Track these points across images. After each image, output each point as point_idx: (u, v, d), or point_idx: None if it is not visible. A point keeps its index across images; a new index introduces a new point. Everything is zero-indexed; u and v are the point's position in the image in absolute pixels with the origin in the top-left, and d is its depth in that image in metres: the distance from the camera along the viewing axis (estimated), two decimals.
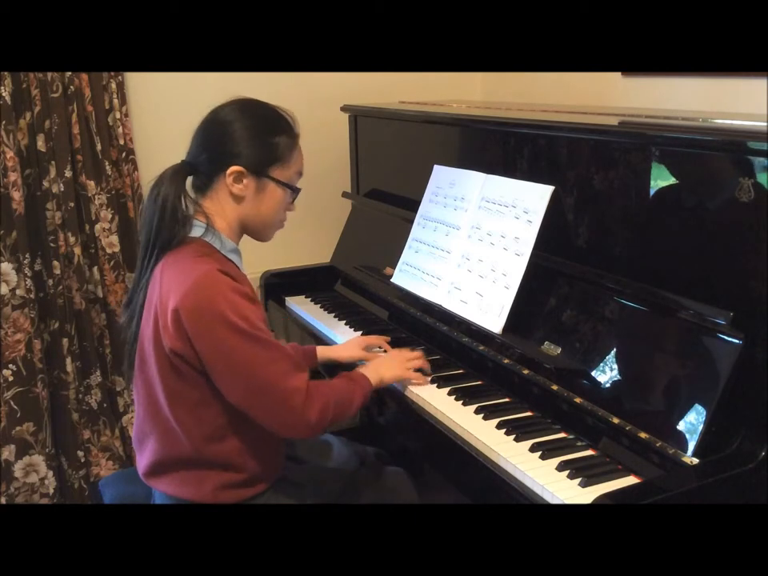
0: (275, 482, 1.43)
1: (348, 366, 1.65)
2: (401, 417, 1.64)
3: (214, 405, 1.31)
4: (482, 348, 1.63)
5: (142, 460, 1.41)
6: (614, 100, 2.20)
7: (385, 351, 1.75)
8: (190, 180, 1.41)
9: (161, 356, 1.31)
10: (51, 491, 2.16)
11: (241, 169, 1.36)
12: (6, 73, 1.96)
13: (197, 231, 1.36)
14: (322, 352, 1.75)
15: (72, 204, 2.10)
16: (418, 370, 1.61)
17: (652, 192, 1.38)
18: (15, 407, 2.09)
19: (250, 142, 1.37)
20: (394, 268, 1.91)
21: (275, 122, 1.41)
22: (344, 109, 2.33)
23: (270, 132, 1.39)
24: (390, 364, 1.58)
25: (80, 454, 2.22)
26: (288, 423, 1.32)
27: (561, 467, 1.25)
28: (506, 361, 1.56)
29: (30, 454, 2.14)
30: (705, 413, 1.18)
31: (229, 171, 1.36)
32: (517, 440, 1.36)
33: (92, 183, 2.13)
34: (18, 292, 2.05)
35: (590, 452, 1.32)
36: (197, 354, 1.27)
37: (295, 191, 1.45)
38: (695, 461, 1.16)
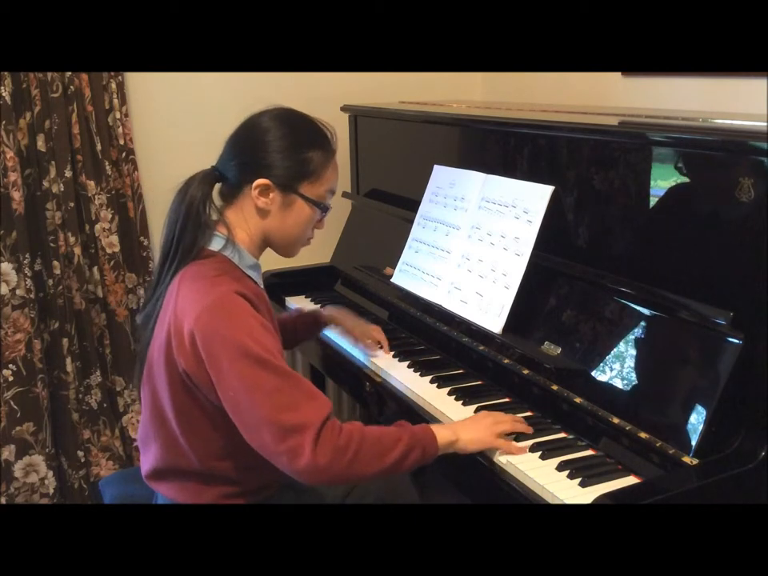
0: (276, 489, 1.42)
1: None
2: (401, 417, 1.64)
3: (220, 426, 1.27)
4: (482, 348, 1.63)
5: (146, 462, 1.39)
6: (614, 100, 2.19)
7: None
8: (218, 187, 1.36)
9: (173, 373, 1.26)
10: (51, 491, 2.16)
11: (268, 182, 1.30)
12: (6, 73, 1.96)
13: (217, 244, 1.31)
14: (330, 313, 1.80)
15: (72, 204, 2.10)
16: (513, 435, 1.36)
17: (652, 192, 1.38)
18: (15, 407, 2.09)
19: (281, 154, 1.31)
20: (393, 268, 1.91)
21: (311, 136, 1.35)
22: (344, 109, 2.33)
23: (304, 145, 1.33)
24: (472, 426, 1.33)
25: (80, 453, 2.22)
26: (291, 464, 1.16)
27: (561, 467, 1.26)
28: (506, 361, 1.56)
29: (30, 453, 2.14)
30: (705, 413, 1.18)
31: (255, 184, 1.30)
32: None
33: (92, 183, 2.13)
34: (18, 292, 2.05)
35: (589, 452, 1.32)
36: (209, 378, 1.21)
37: (324, 210, 1.38)
38: (695, 461, 1.16)
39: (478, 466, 1.34)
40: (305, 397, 1.20)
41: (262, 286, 1.38)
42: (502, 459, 1.31)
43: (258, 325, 1.21)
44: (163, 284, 1.33)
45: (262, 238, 1.36)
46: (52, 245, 2.11)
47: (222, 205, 1.36)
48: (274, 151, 1.31)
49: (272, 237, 1.36)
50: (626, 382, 1.33)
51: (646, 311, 1.34)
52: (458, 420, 1.41)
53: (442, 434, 1.29)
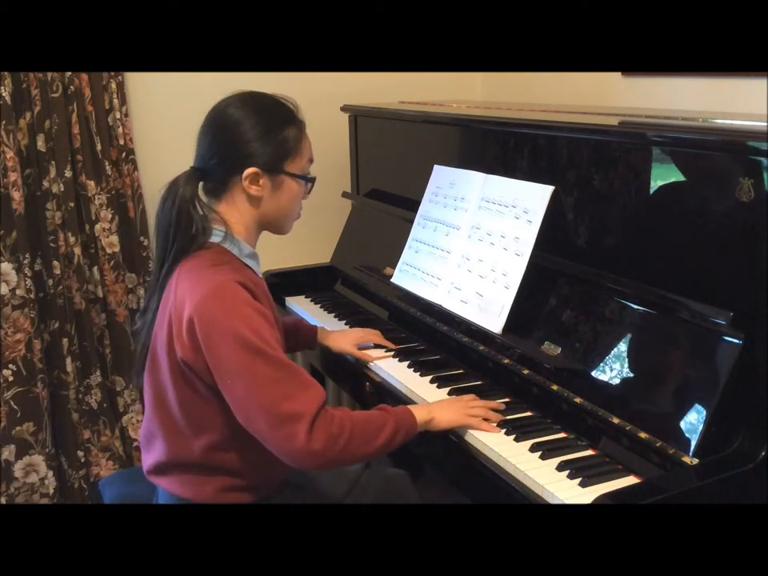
0: (276, 486, 1.42)
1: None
2: None
3: (221, 416, 1.29)
4: (482, 348, 1.63)
5: (148, 459, 1.40)
6: (614, 100, 2.19)
7: (384, 349, 1.75)
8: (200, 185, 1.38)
9: (173, 363, 1.29)
10: (51, 491, 2.16)
11: (256, 170, 1.33)
12: (6, 73, 1.96)
13: (215, 238, 1.33)
14: (321, 334, 1.77)
15: (72, 204, 2.10)
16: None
17: (652, 192, 1.38)
18: (15, 407, 2.09)
19: (261, 140, 1.33)
20: (393, 268, 1.91)
21: (281, 115, 1.38)
22: (344, 109, 2.33)
23: (279, 126, 1.36)
24: (448, 406, 1.43)
25: (80, 454, 2.22)
26: (286, 450, 1.23)
27: (561, 467, 1.26)
28: (505, 361, 1.56)
29: (30, 454, 2.14)
30: (705, 413, 1.18)
31: (245, 174, 1.33)
32: (517, 440, 1.36)
33: (92, 183, 2.13)
34: (18, 292, 2.05)
35: (589, 452, 1.32)
36: (207, 365, 1.24)
37: (310, 181, 1.42)
38: (695, 461, 1.16)
39: (477, 466, 1.34)
40: (300, 387, 1.24)
41: (261, 275, 1.40)
42: (506, 454, 1.31)
43: (256, 314, 1.24)
44: (159, 287, 1.35)
45: (257, 225, 1.40)
46: (52, 245, 2.11)
47: (210, 201, 1.38)
48: (252, 140, 1.33)
49: (268, 220, 1.40)
50: (625, 381, 1.33)
51: (646, 311, 1.34)
52: (433, 402, 1.49)
53: (420, 414, 1.38)
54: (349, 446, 1.25)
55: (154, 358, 1.35)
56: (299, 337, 1.77)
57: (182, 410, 1.31)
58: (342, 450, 1.24)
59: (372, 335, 1.78)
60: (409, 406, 1.40)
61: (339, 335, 1.77)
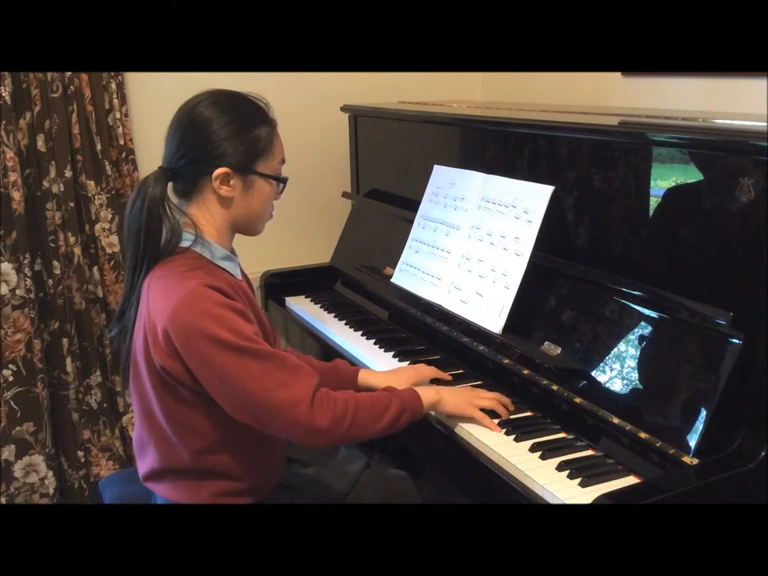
0: (274, 488, 1.42)
1: None
2: None
3: (207, 420, 1.29)
4: (482, 348, 1.63)
5: (142, 465, 1.39)
6: (614, 100, 2.20)
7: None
8: (170, 186, 1.35)
9: (152, 371, 1.28)
10: (51, 491, 2.16)
11: (227, 170, 1.30)
12: (6, 73, 1.96)
13: (185, 242, 1.31)
14: (364, 376, 1.57)
15: (72, 204, 2.10)
16: (490, 412, 1.44)
17: (652, 192, 1.38)
18: (15, 407, 2.09)
19: (232, 140, 1.30)
20: (393, 268, 1.91)
21: (253, 114, 1.35)
22: (344, 109, 2.33)
23: (251, 126, 1.32)
24: (456, 392, 1.45)
25: (80, 453, 2.22)
26: (295, 434, 1.27)
27: (561, 467, 1.26)
28: (505, 361, 1.56)
29: (30, 454, 2.14)
30: (705, 413, 1.18)
31: (215, 175, 1.30)
32: (517, 440, 1.36)
33: (92, 183, 2.13)
34: (18, 292, 2.05)
35: (589, 452, 1.32)
36: (189, 372, 1.24)
37: (283, 182, 1.39)
38: (695, 461, 1.16)
39: (478, 466, 1.34)
40: (290, 372, 1.26)
41: (240, 276, 1.38)
42: (506, 454, 1.31)
43: (229, 312, 1.23)
44: (135, 289, 1.33)
45: (229, 226, 1.36)
46: (52, 245, 2.11)
47: (180, 202, 1.35)
48: (223, 139, 1.30)
49: (240, 221, 1.37)
50: (626, 382, 1.33)
51: (646, 311, 1.34)
52: (441, 386, 1.50)
53: (427, 395, 1.40)
54: (353, 426, 1.28)
55: (135, 366, 1.34)
56: (338, 378, 1.57)
57: (166, 417, 1.30)
58: (347, 430, 1.27)
59: (427, 371, 1.59)
60: (416, 387, 1.42)
61: (391, 378, 1.55)
